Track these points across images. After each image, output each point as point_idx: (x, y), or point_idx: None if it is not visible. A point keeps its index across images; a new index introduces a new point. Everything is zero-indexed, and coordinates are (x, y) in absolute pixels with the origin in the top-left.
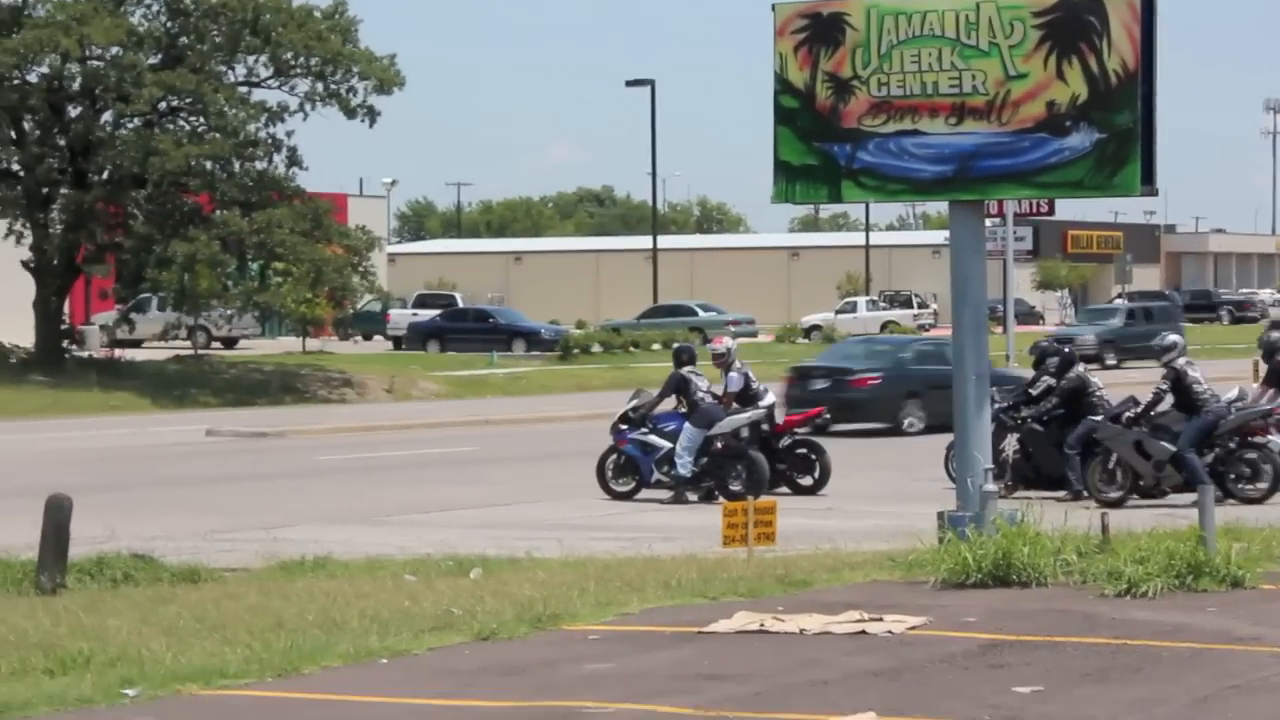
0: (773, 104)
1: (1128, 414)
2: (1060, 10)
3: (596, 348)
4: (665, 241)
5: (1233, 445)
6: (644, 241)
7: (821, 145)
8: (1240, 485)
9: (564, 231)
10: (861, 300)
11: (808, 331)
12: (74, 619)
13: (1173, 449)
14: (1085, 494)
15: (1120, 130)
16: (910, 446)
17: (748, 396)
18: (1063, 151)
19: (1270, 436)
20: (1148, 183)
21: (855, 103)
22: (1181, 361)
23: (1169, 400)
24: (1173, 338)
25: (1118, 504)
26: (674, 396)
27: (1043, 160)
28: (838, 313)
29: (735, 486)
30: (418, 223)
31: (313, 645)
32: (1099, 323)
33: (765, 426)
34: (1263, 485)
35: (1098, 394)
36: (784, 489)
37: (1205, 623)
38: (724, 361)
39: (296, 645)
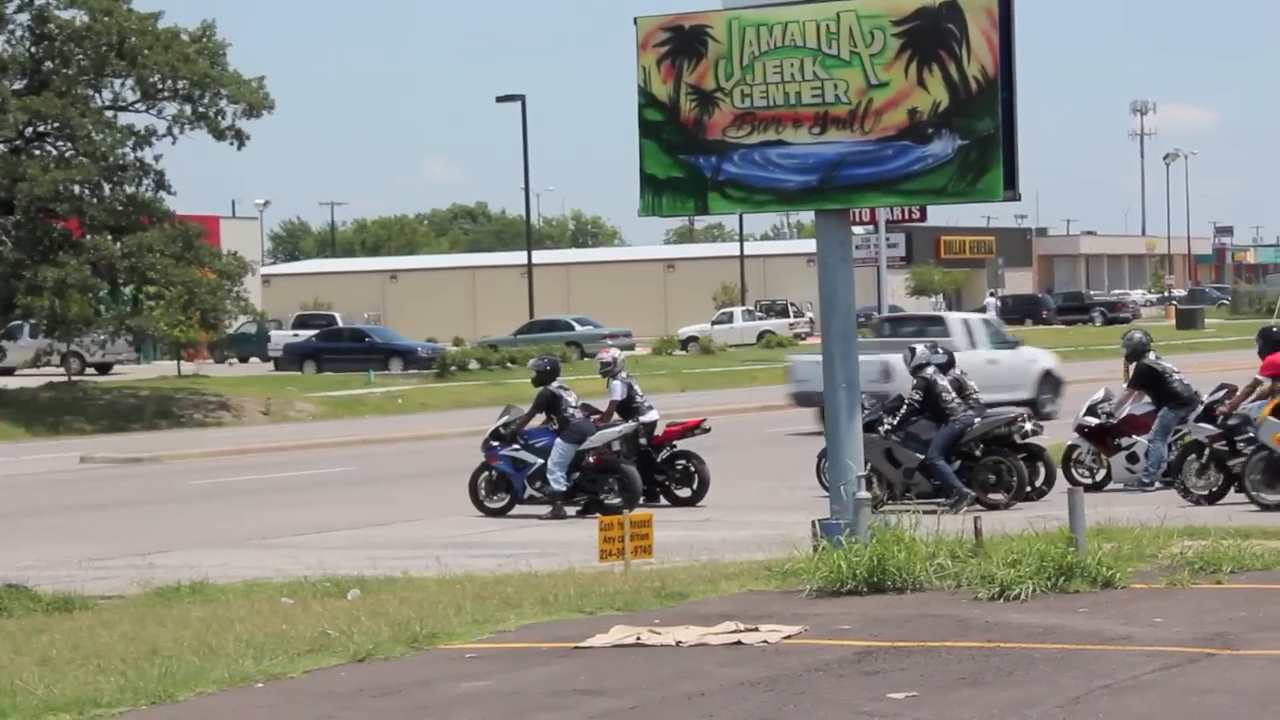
0: (638, 117)
1: (883, 426)
2: (919, 19)
3: (474, 365)
4: (540, 256)
5: (978, 453)
6: (519, 257)
7: (687, 158)
8: (986, 493)
9: (439, 249)
10: (738, 311)
11: (685, 343)
12: None
13: (921, 457)
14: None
15: (982, 137)
16: (785, 455)
17: (630, 408)
18: (925, 159)
19: (1136, 438)
20: (1010, 188)
21: (719, 115)
22: (930, 371)
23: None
24: (921, 350)
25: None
26: (544, 413)
27: (906, 168)
28: (714, 324)
29: (610, 500)
30: (292, 243)
31: (187, 671)
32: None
33: (644, 440)
34: (1005, 493)
35: (946, 396)
36: (663, 501)
37: (1077, 624)
38: (609, 371)
39: (171, 672)
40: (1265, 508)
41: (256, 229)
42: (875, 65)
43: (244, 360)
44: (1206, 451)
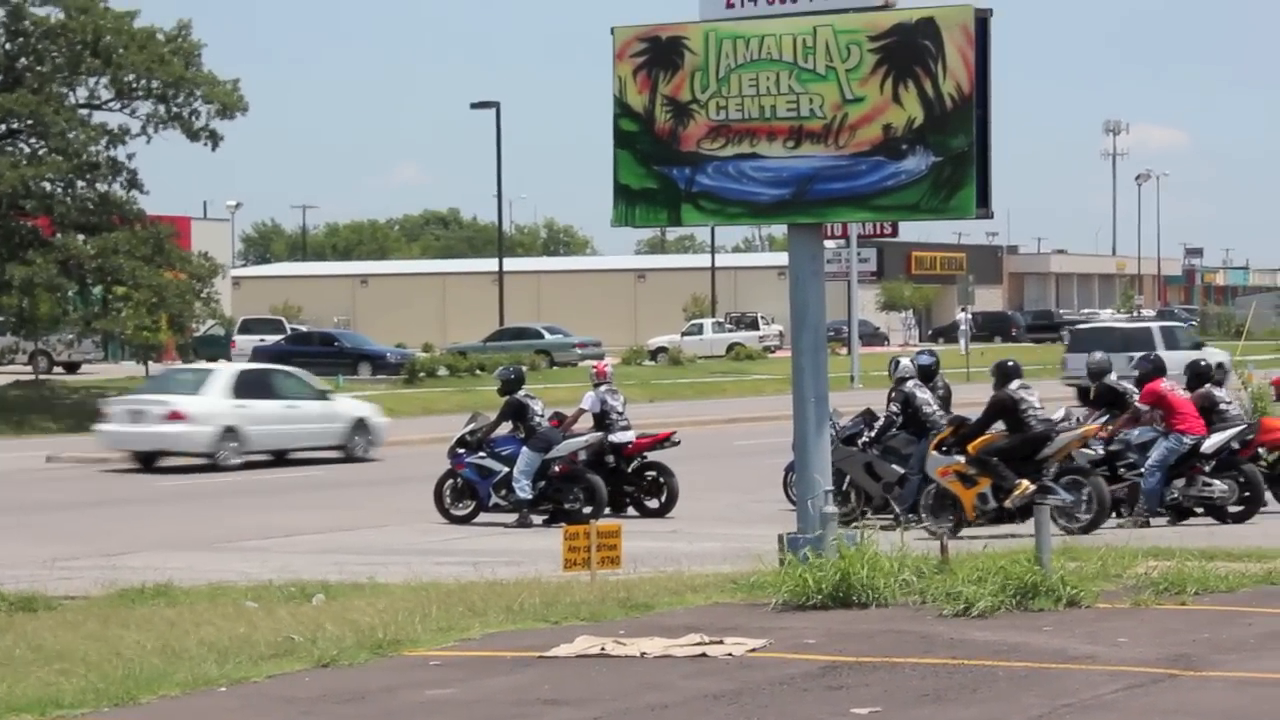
0: (612, 127)
1: (862, 439)
2: (895, 35)
3: (443, 371)
4: (511, 264)
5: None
6: (490, 264)
7: (661, 169)
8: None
9: (410, 254)
10: (707, 322)
11: (654, 353)
12: None
13: (901, 471)
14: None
15: (955, 154)
16: (753, 468)
17: (603, 424)
18: (899, 175)
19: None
20: (983, 205)
21: (694, 126)
22: (911, 384)
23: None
24: (905, 362)
25: (847, 522)
26: (510, 421)
27: (879, 183)
28: (684, 334)
29: (576, 509)
30: (263, 245)
31: (150, 674)
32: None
33: (611, 458)
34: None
35: (927, 409)
36: (632, 512)
37: (1041, 642)
38: (593, 382)
39: (133, 674)
40: (934, 535)
41: (228, 230)
42: (851, 80)
43: (213, 362)
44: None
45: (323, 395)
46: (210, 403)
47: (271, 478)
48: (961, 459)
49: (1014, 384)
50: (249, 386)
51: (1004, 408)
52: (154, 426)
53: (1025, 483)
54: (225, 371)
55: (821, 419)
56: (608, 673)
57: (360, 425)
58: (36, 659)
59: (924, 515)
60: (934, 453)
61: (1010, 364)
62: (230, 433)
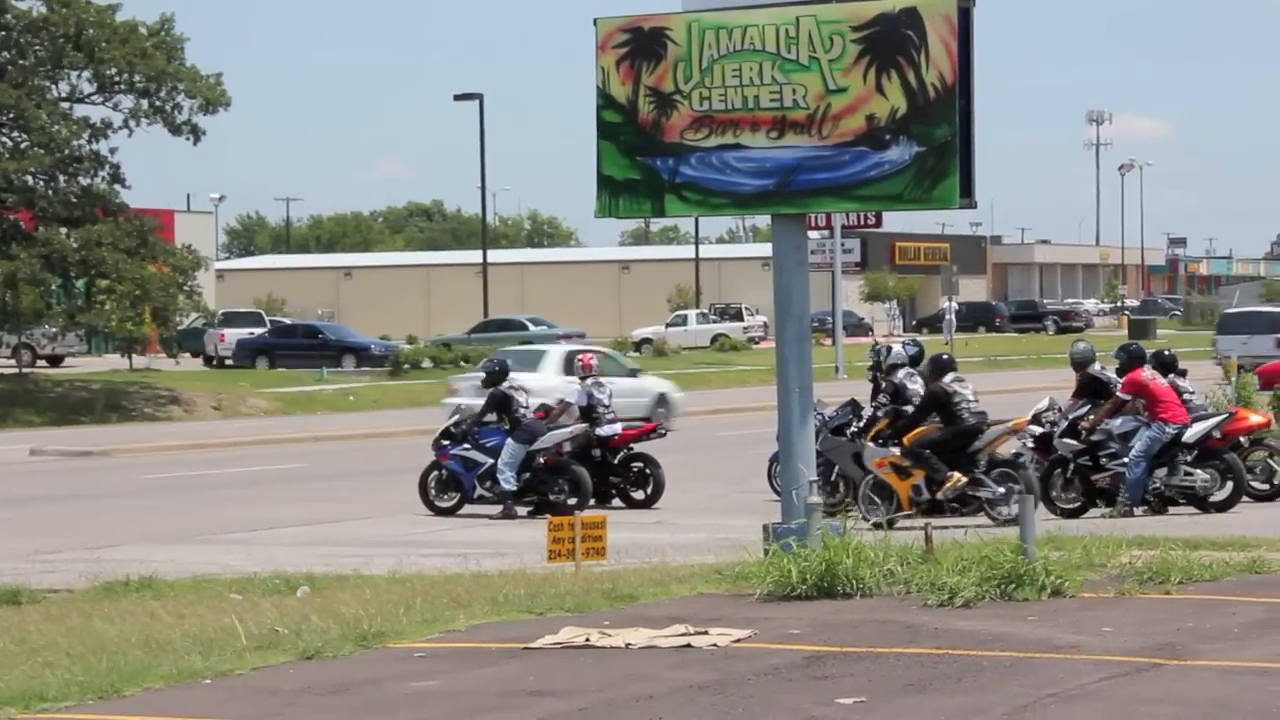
0: (596, 119)
1: (851, 429)
2: (878, 24)
3: (427, 363)
4: (496, 256)
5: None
6: (474, 256)
7: (644, 160)
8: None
9: (394, 246)
10: (692, 313)
11: (639, 345)
12: None
13: None
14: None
15: (939, 144)
16: (737, 459)
17: (591, 418)
18: (882, 165)
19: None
20: (966, 196)
21: (677, 117)
22: (902, 374)
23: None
24: (896, 349)
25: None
26: (495, 413)
27: (863, 174)
28: (668, 326)
29: (561, 500)
30: (247, 238)
31: (134, 666)
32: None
33: (597, 452)
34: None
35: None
36: (618, 503)
37: (1026, 632)
38: (579, 375)
39: (118, 667)
40: (876, 526)
41: (211, 223)
42: (834, 70)
43: (196, 355)
44: (1071, 466)
45: (632, 373)
46: (545, 379)
47: (259, 470)
48: (897, 450)
49: (948, 377)
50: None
51: (938, 401)
52: None
53: (957, 475)
54: (556, 351)
55: (806, 409)
56: (593, 664)
57: (662, 399)
58: (20, 652)
59: (860, 505)
60: (870, 444)
61: (945, 358)
62: None
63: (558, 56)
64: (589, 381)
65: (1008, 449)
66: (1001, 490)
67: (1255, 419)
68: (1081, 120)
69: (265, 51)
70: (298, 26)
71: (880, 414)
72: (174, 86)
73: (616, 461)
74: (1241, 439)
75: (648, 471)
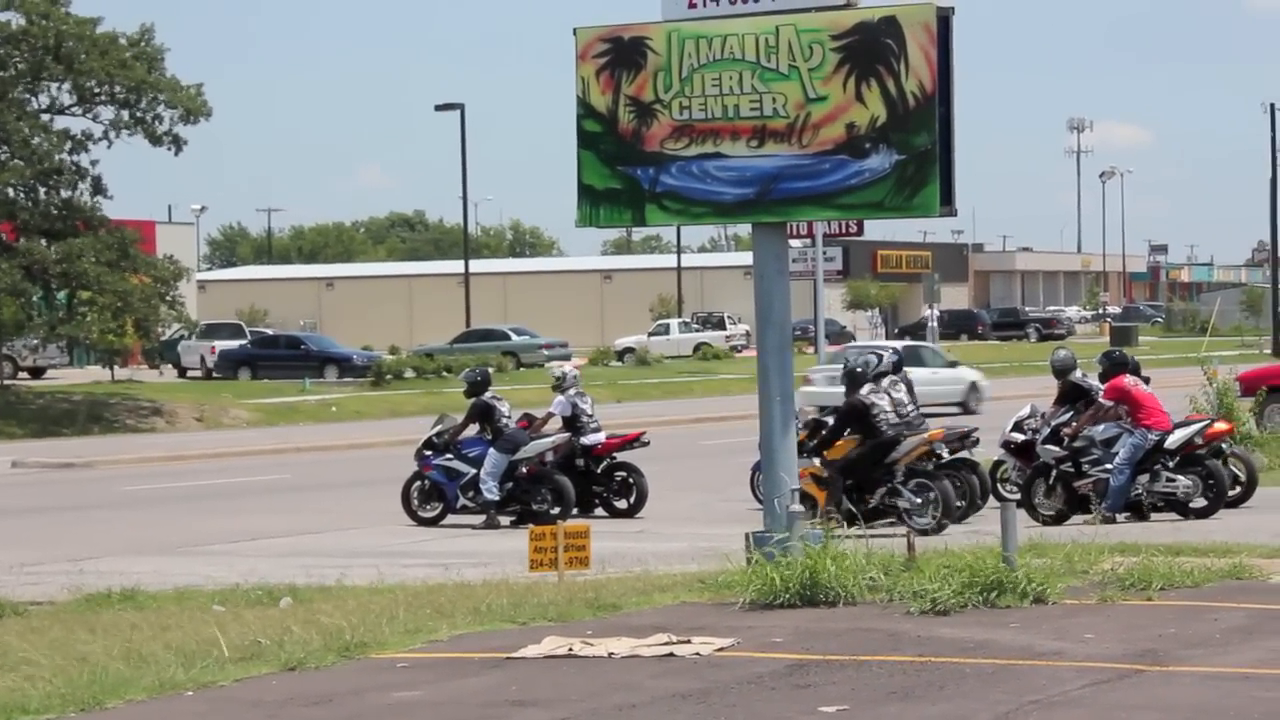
0: (576, 128)
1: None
2: (858, 33)
3: (409, 373)
4: (478, 266)
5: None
6: (456, 266)
7: (625, 169)
8: (910, 516)
9: (376, 256)
10: (674, 322)
11: (621, 354)
12: None
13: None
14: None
15: (919, 152)
16: (719, 468)
17: (574, 427)
18: (863, 173)
19: (1050, 448)
20: (946, 203)
21: (658, 126)
22: (867, 389)
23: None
24: (866, 360)
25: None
26: (478, 423)
27: (843, 182)
28: (651, 335)
29: (543, 510)
30: (229, 249)
31: (116, 679)
32: None
33: (580, 461)
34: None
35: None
36: (601, 512)
37: (1008, 639)
38: (557, 386)
39: (99, 679)
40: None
41: (193, 234)
42: (814, 79)
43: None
44: (1053, 473)
45: (951, 364)
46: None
47: (241, 481)
48: (817, 462)
49: (865, 389)
50: (910, 358)
51: (855, 413)
52: None
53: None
54: (893, 347)
55: (787, 417)
56: (575, 673)
57: (974, 386)
58: (2, 665)
59: (754, 491)
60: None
61: (858, 370)
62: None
63: (539, 66)
64: (572, 392)
65: (988, 456)
66: (919, 500)
67: (1219, 426)
68: (1063, 127)
69: (245, 62)
70: (278, 37)
71: (800, 425)
72: (154, 97)
73: (600, 471)
74: (1224, 445)
75: (631, 481)
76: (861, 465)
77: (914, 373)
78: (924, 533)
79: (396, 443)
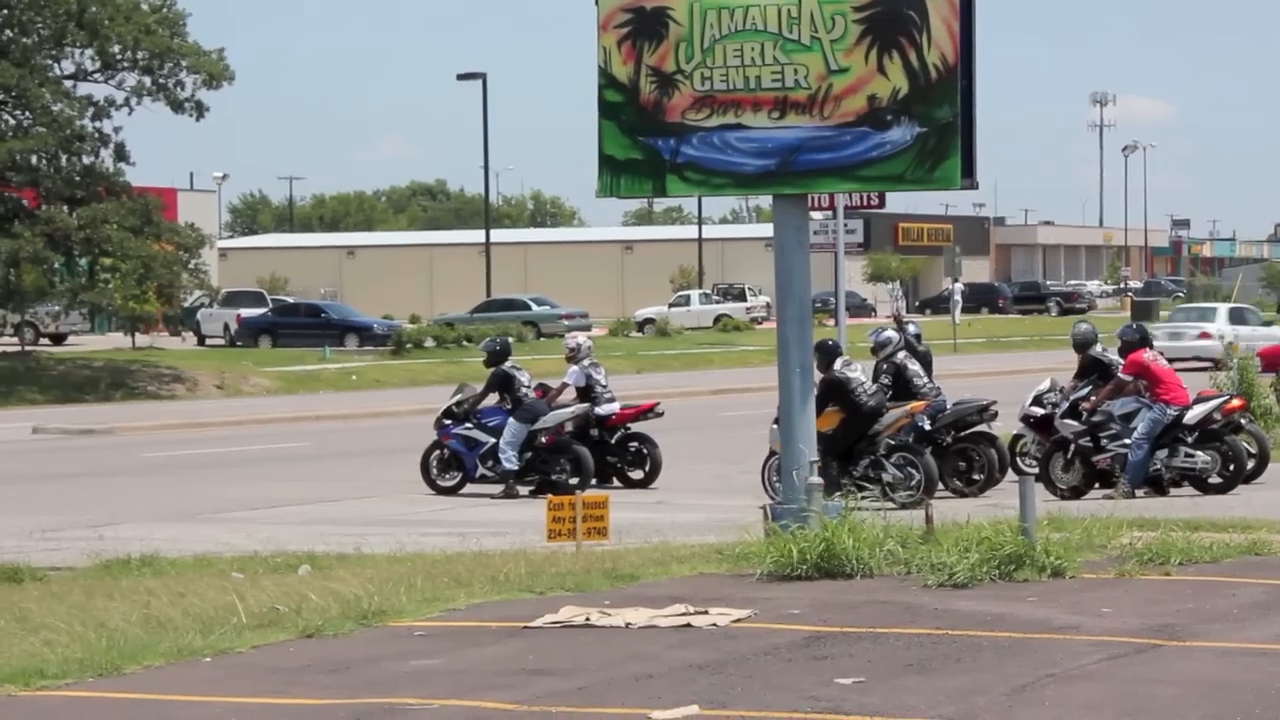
0: (597, 98)
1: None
2: (880, 5)
3: (430, 342)
4: (499, 235)
5: (948, 440)
6: (477, 235)
7: (646, 139)
8: (956, 480)
9: (397, 225)
10: (695, 293)
11: (641, 325)
12: None
13: (891, 442)
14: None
15: (940, 124)
16: (738, 439)
17: (589, 398)
18: (884, 145)
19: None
20: (968, 176)
21: (679, 97)
22: (902, 356)
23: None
24: (887, 334)
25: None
26: (497, 393)
27: (864, 154)
28: (671, 306)
29: (564, 480)
30: (250, 217)
31: (134, 644)
32: None
33: (595, 432)
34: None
35: (918, 380)
36: (616, 483)
37: (1025, 612)
38: (571, 357)
39: (117, 645)
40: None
41: (214, 202)
42: (835, 51)
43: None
44: (1072, 448)
45: (1268, 324)
46: (1219, 328)
47: (261, 449)
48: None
49: (838, 363)
50: (1233, 317)
51: (834, 389)
52: (1190, 342)
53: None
54: (1223, 308)
55: (807, 389)
56: (593, 643)
57: None
58: (21, 630)
59: (765, 485)
60: (774, 427)
61: (830, 344)
62: (1229, 345)
63: (561, 36)
64: (586, 362)
65: (1007, 430)
66: (900, 475)
67: (1235, 402)
68: (1085, 101)
69: (267, 29)
70: (301, 4)
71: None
72: (177, 63)
73: (614, 441)
74: (1243, 420)
75: (645, 451)
76: (847, 438)
77: (1239, 329)
78: (904, 507)
79: (416, 411)
